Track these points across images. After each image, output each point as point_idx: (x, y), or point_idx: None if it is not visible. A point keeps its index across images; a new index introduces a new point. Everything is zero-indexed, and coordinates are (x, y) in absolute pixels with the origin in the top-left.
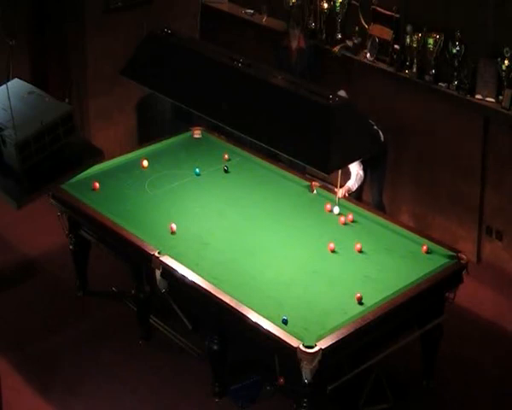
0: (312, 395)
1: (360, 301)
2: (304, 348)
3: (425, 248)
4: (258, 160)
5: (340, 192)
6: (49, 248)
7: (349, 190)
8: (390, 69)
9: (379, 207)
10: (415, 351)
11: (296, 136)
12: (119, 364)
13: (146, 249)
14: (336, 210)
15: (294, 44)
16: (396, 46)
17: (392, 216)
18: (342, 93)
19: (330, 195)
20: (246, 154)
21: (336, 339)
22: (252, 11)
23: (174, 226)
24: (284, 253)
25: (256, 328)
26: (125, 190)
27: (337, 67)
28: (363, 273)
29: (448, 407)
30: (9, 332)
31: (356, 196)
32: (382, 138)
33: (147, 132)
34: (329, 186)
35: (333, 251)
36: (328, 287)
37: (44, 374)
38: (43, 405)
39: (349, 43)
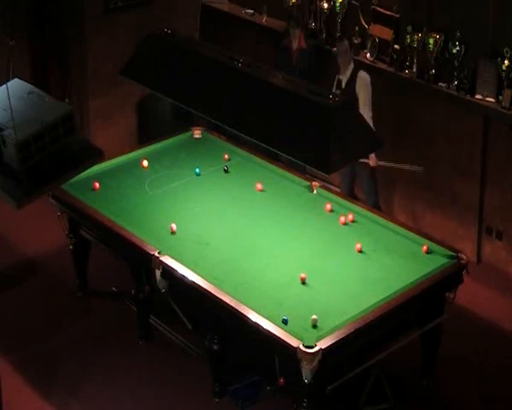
0: (312, 395)
1: (304, 282)
2: (304, 348)
3: (425, 248)
4: (258, 160)
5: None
6: (49, 248)
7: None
8: (390, 69)
9: (375, 207)
10: (415, 351)
11: (296, 136)
12: (119, 364)
13: (146, 249)
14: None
15: (295, 44)
16: (396, 46)
17: (391, 216)
18: (362, 74)
19: (330, 195)
20: (246, 154)
21: (336, 339)
22: (252, 11)
23: (174, 226)
24: (284, 253)
25: (256, 328)
26: (125, 190)
27: (337, 67)
28: (363, 273)
29: (448, 407)
30: (9, 332)
31: (348, 193)
32: None
33: (147, 132)
34: (329, 186)
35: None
36: (328, 287)
37: (44, 374)
38: (42, 405)
39: None
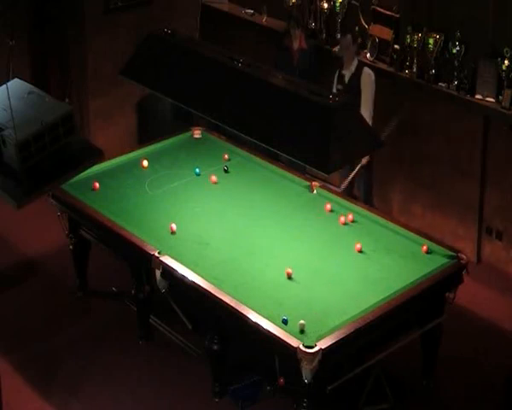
0: (312, 395)
1: (290, 277)
2: (304, 348)
3: (425, 248)
4: (258, 160)
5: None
6: (49, 248)
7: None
8: (390, 69)
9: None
10: (415, 351)
11: (296, 136)
12: (119, 364)
13: (146, 249)
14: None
15: (296, 45)
16: (396, 46)
17: (391, 216)
18: (368, 70)
19: (330, 195)
20: (246, 154)
21: (336, 339)
22: (252, 11)
23: (174, 226)
24: (284, 253)
25: (256, 328)
26: (125, 190)
27: (337, 67)
28: (363, 273)
29: (448, 407)
30: (9, 332)
31: (348, 193)
32: None
33: (147, 132)
34: (329, 186)
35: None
36: (328, 287)
37: (44, 374)
38: (42, 405)
39: None
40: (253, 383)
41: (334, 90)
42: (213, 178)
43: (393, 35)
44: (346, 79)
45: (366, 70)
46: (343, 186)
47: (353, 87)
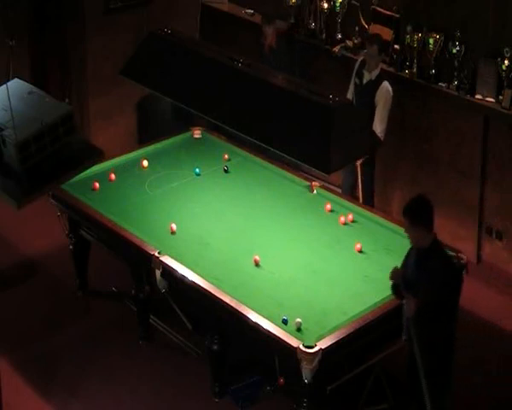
0: (312, 395)
1: (257, 264)
2: (304, 348)
3: None
4: (259, 160)
5: None
6: (49, 248)
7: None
8: (390, 69)
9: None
10: None
11: (296, 136)
12: (119, 364)
13: (146, 249)
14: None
15: (267, 42)
16: (396, 46)
17: (391, 216)
18: (387, 85)
19: (330, 195)
20: (246, 154)
21: (336, 339)
22: (252, 11)
23: (174, 226)
24: (284, 253)
25: (256, 328)
26: (125, 190)
27: (337, 67)
28: (363, 273)
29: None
30: (9, 332)
31: (350, 194)
32: None
33: (147, 132)
34: (329, 186)
35: None
36: (328, 287)
37: (44, 374)
38: (42, 405)
39: (349, 43)
40: (253, 383)
41: (352, 83)
42: (144, 162)
43: (393, 35)
44: (364, 81)
45: (385, 84)
46: (361, 199)
47: (367, 92)
